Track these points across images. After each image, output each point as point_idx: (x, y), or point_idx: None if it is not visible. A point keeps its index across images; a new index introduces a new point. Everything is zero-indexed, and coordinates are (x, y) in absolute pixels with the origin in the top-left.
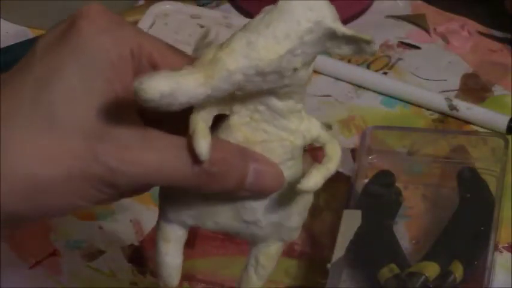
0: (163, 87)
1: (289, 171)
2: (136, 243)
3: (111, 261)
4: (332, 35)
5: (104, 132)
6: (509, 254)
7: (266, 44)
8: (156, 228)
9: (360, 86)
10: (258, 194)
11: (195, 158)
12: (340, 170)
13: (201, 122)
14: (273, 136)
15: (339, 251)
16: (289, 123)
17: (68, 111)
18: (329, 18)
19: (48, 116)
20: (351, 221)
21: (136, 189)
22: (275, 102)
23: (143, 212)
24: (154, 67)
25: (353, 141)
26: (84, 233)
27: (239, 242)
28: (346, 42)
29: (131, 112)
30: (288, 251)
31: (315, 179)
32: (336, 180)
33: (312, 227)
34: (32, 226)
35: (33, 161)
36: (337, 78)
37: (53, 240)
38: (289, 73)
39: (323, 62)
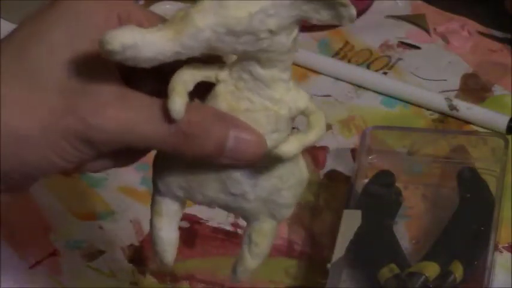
0: (126, 38)
1: (274, 143)
2: (136, 243)
3: (111, 261)
4: None
5: (83, 88)
6: (509, 254)
7: (237, 1)
8: (151, 204)
9: (360, 86)
10: (238, 161)
11: (170, 118)
12: (340, 170)
13: (180, 83)
14: (257, 105)
15: (339, 251)
16: (273, 93)
17: (49, 67)
18: None
19: (30, 71)
20: (351, 221)
21: (115, 152)
22: (258, 69)
23: (143, 212)
24: None
25: (353, 141)
26: (84, 233)
27: (239, 242)
28: (323, 7)
29: (113, 73)
30: (288, 251)
31: (292, 145)
32: (336, 180)
33: (312, 227)
34: (31, 226)
35: (14, 114)
36: (337, 78)
37: (53, 240)
38: (264, 35)
39: (323, 62)
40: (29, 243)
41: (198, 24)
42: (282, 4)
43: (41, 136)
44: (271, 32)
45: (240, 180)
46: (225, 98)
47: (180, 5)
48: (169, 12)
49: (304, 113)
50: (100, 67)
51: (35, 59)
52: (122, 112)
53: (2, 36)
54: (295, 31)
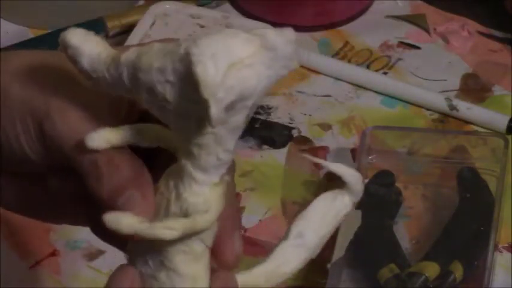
0: (74, 37)
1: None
2: None
3: (111, 261)
4: None
5: (69, 93)
6: (509, 254)
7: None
8: None
9: (360, 86)
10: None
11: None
12: None
13: (113, 130)
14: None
15: (339, 251)
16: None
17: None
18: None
19: None
20: (351, 221)
21: (59, 160)
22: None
23: None
24: None
25: (353, 141)
26: (84, 233)
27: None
28: None
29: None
30: None
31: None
32: (336, 180)
33: None
34: (31, 226)
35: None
36: (337, 78)
37: (53, 240)
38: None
39: (323, 62)
40: (29, 243)
41: (123, 58)
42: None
43: (18, 101)
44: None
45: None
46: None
47: (180, 5)
48: (170, 12)
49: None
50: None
51: None
52: (76, 120)
53: (1, 36)
54: None
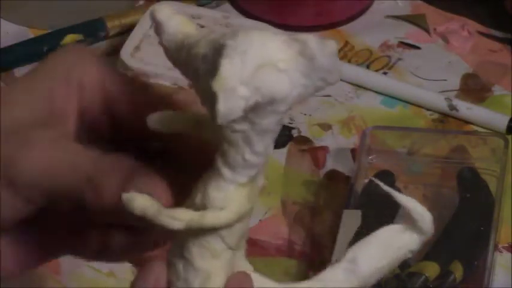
0: (160, 13)
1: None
2: None
3: None
4: None
5: (25, 134)
6: (509, 254)
7: None
8: None
9: (360, 86)
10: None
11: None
12: (340, 170)
13: None
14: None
15: (339, 251)
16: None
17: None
18: None
19: None
20: (351, 221)
21: (36, 200)
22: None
23: None
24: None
25: (353, 141)
26: None
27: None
28: None
29: (63, 127)
30: (288, 251)
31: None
32: (336, 180)
33: (312, 227)
34: None
35: None
36: None
37: None
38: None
39: None
40: None
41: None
42: None
43: None
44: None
45: None
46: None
47: (180, 5)
48: None
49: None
50: (51, 122)
51: None
52: (48, 153)
53: (1, 36)
54: None
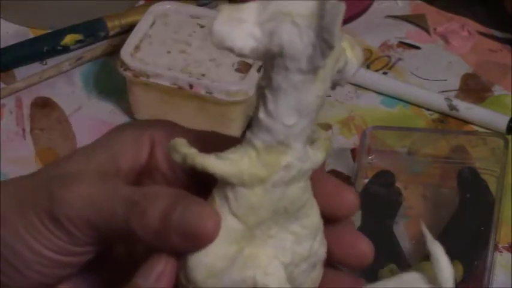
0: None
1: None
2: None
3: None
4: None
5: (64, 172)
6: (509, 254)
7: None
8: None
9: (360, 86)
10: (190, 239)
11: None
12: (340, 170)
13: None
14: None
15: None
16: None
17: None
18: None
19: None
20: None
21: (86, 236)
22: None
23: None
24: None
25: (353, 141)
26: None
27: None
28: None
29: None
30: None
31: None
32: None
33: None
34: None
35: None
36: None
37: None
38: None
39: None
40: None
41: None
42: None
43: (16, 213)
44: None
45: None
46: None
47: (180, 5)
48: (170, 12)
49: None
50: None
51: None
52: (88, 187)
53: (1, 36)
54: None
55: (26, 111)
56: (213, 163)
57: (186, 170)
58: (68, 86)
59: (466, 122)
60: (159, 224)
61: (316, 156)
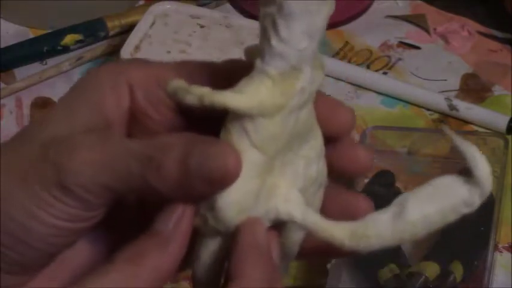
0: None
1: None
2: None
3: None
4: None
5: (61, 138)
6: (509, 254)
7: None
8: None
9: (360, 86)
10: (213, 182)
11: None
12: None
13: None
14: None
15: None
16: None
17: (40, 132)
18: None
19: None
20: None
21: (101, 200)
22: None
23: None
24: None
25: None
26: None
27: None
28: None
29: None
30: None
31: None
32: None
33: None
34: None
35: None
36: (337, 78)
37: None
38: None
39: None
40: None
41: None
42: None
43: (22, 188)
44: None
45: None
46: None
47: (180, 5)
48: (170, 12)
49: None
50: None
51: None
52: (97, 153)
53: (1, 36)
54: None
55: (26, 111)
56: (233, 99)
57: (172, 108)
58: (68, 86)
59: (466, 122)
60: (178, 175)
61: (318, 76)
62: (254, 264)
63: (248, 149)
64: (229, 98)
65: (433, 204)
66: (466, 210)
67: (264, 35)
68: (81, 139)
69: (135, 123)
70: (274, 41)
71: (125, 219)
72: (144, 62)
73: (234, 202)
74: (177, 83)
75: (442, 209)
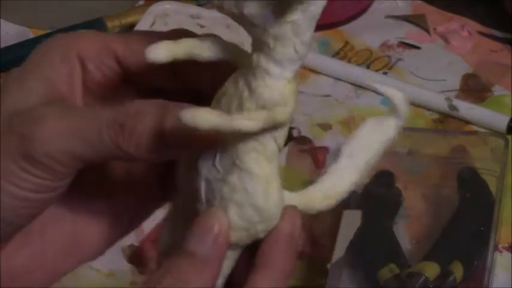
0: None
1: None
2: (136, 243)
3: (111, 261)
4: None
5: (22, 111)
6: (509, 254)
7: None
8: None
9: (360, 86)
10: (186, 144)
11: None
12: None
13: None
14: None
15: (339, 251)
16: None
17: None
18: None
19: None
20: (351, 221)
21: (69, 169)
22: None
23: None
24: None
25: None
26: None
27: None
28: None
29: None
30: None
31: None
32: None
33: (312, 227)
34: None
35: None
36: (337, 78)
37: None
38: None
39: (323, 62)
40: None
41: None
42: None
43: None
44: None
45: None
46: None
47: (180, 5)
48: (169, 12)
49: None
50: (48, 98)
51: None
52: (65, 122)
53: (2, 36)
54: None
55: None
56: (287, 113)
57: (123, 78)
58: None
59: (466, 122)
60: (153, 141)
61: None
62: (286, 253)
63: (276, 154)
64: (284, 115)
65: (370, 150)
66: (391, 140)
67: (284, 43)
68: (46, 110)
69: (91, 94)
70: (298, 46)
71: (115, 182)
72: (94, 34)
73: (277, 197)
74: (197, 114)
75: (377, 151)
